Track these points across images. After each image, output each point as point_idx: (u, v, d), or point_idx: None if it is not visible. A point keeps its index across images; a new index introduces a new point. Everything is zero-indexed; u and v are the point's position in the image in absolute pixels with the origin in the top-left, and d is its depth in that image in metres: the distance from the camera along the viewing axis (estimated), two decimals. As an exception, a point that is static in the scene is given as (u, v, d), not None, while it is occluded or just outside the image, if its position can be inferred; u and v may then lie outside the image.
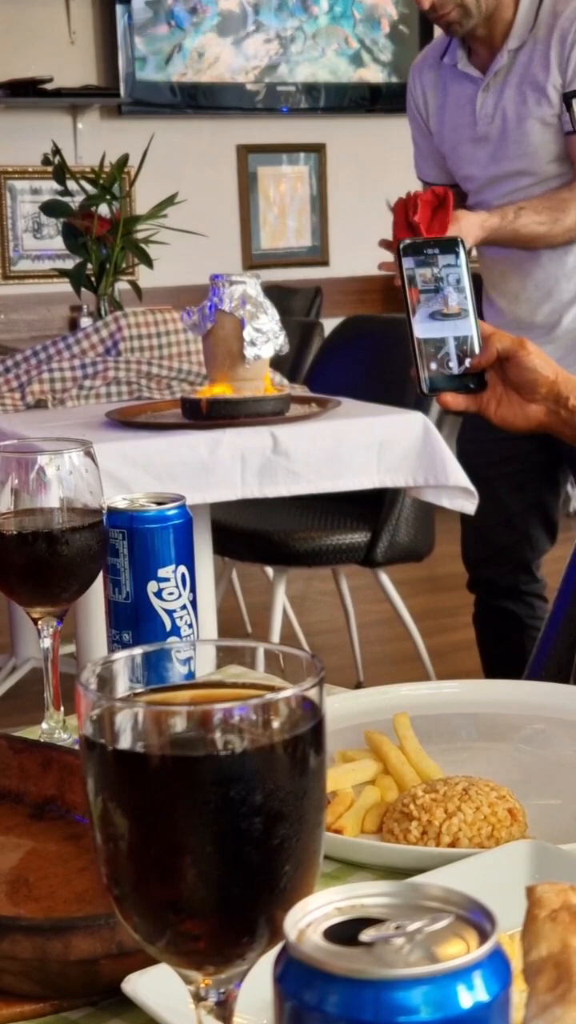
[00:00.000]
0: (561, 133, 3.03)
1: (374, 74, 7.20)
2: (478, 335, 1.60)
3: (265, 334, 2.87)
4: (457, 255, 1.61)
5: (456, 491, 2.90)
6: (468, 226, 2.85)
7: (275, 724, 0.62)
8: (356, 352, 4.08)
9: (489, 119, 3.11)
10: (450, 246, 1.62)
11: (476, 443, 3.29)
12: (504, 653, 3.40)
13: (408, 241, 1.62)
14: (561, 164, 3.06)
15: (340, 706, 1.34)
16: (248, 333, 2.85)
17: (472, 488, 2.88)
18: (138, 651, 0.68)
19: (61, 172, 3.90)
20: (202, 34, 6.79)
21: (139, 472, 2.69)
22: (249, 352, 2.85)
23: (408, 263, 1.60)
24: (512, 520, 3.22)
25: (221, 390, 2.89)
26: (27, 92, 6.28)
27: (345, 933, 0.53)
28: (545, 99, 3.02)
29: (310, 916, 0.54)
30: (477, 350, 1.59)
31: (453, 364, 1.60)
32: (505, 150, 3.10)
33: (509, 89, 3.09)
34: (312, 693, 0.63)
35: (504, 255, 3.13)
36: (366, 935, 0.53)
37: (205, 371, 3.34)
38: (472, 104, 3.15)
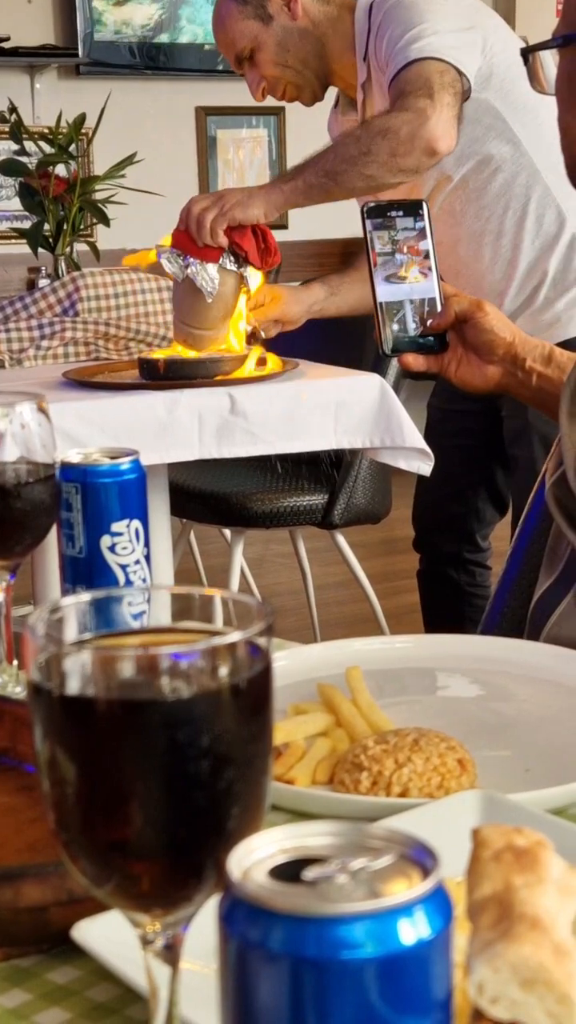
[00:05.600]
0: None
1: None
2: (440, 297, 1.61)
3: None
4: (420, 218, 1.62)
5: (412, 452, 2.90)
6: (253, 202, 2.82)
7: (222, 668, 0.62)
8: (314, 314, 4.06)
9: None
10: (413, 209, 1.62)
11: (439, 411, 3.33)
12: (442, 616, 3.45)
13: (372, 204, 1.62)
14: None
15: (293, 660, 1.34)
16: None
17: (427, 449, 2.88)
18: (87, 597, 0.68)
19: (18, 131, 3.87)
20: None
21: (96, 432, 2.68)
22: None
23: (371, 225, 1.60)
24: (462, 493, 3.24)
25: (179, 345, 2.90)
26: (-16, 51, 6.23)
27: (289, 872, 0.54)
28: None
29: (254, 855, 0.55)
30: (439, 311, 1.59)
31: (414, 325, 1.60)
32: None
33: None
34: (259, 638, 0.63)
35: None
36: (309, 873, 0.53)
37: (163, 332, 3.33)
38: None
